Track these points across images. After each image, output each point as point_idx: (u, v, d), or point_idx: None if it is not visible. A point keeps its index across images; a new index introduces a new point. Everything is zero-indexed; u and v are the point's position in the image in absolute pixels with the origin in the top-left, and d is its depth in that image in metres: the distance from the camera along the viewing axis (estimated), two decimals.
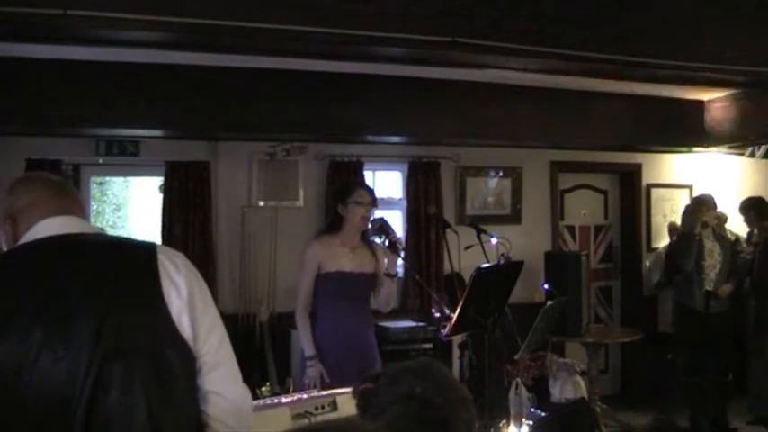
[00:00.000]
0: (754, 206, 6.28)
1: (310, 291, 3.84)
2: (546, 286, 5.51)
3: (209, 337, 1.69)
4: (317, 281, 3.83)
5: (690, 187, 7.21)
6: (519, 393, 3.76)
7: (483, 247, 4.35)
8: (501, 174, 6.60)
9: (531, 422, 3.64)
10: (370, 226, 3.89)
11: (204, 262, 5.49)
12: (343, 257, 3.84)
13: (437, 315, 4.78)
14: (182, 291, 1.65)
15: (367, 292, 3.96)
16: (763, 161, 6.75)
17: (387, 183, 6.46)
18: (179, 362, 1.63)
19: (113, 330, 1.55)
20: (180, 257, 1.72)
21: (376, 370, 1.56)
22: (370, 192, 3.96)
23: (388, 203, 6.30)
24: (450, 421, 1.41)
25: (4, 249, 1.77)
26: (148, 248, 1.71)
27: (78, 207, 1.83)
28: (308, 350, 3.79)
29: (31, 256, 1.67)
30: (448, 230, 4.39)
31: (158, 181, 5.87)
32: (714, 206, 5.78)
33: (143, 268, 1.66)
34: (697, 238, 5.61)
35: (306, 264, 3.84)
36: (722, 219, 6.50)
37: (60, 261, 1.64)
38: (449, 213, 6.19)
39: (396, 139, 6.03)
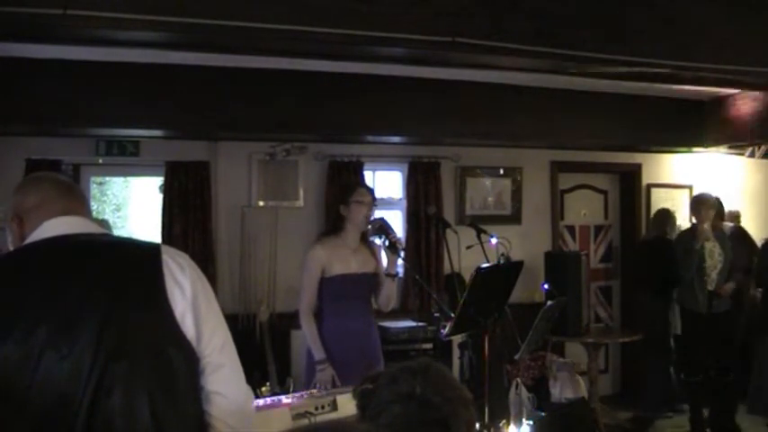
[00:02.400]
0: (718, 205, 6.21)
1: (314, 294, 3.82)
2: (546, 286, 5.50)
3: (213, 337, 1.69)
4: (322, 284, 3.82)
5: (690, 187, 7.22)
6: (519, 393, 3.76)
7: (483, 247, 4.35)
8: (501, 174, 6.60)
9: (531, 422, 3.64)
10: (369, 226, 3.89)
11: (204, 262, 5.48)
12: (346, 259, 3.84)
13: (437, 315, 4.78)
14: (186, 291, 1.66)
15: (370, 292, 3.96)
16: (763, 161, 6.75)
17: (387, 183, 6.46)
18: (182, 362, 1.63)
19: (117, 330, 1.55)
20: (184, 258, 1.72)
21: (376, 370, 1.56)
22: (371, 191, 3.96)
23: (388, 203, 6.30)
24: (449, 421, 1.41)
25: (11, 248, 1.78)
26: (153, 249, 1.72)
27: (85, 208, 1.84)
28: (318, 354, 3.75)
29: (36, 256, 1.67)
30: (448, 230, 4.38)
31: (158, 181, 5.87)
32: (715, 205, 5.76)
33: (147, 268, 1.66)
34: (699, 245, 5.57)
35: (309, 268, 3.83)
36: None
37: (65, 261, 1.65)
38: (449, 213, 6.19)
39: (396, 139, 6.03)
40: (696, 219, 5.77)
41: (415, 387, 1.43)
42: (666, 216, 6.41)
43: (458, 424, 1.41)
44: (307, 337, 3.84)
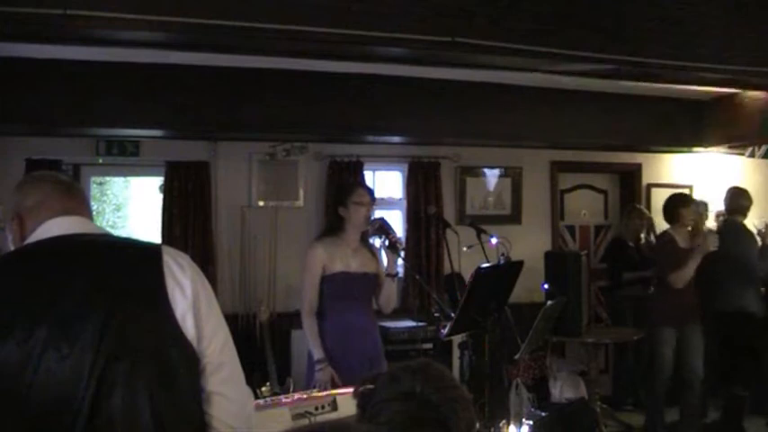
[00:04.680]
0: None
1: (316, 294, 3.82)
2: (546, 286, 5.50)
3: (214, 338, 1.69)
4: (322, 283, 3.81)
5: (690, 187, 7.21)
6: (519, 393, 3.76)
7: (483, 247, 4.35)
8: (501, 174, 6.61)
9: (531, 422, 3.64)
10: (369, 226, 3.89)
11: (204, 262, 5.49)
12: (346, 258, 3.83)
13: (437, 315, 4.79)
14: (186, 291, 1.65)
15: (370, 292, 3.96)
16: (763, 161, 6.75)
17: (387, 183, 6.47)
18: (183, 362, 1.63)
19: (117, 330, 1.55)
20: (185, 258, 1.72)
21: (376, 371, 1.57)
22: (369, 191, 3.96)
23: (388, 203, 6.31)
24: (449, 420, 1.41)
25: (11, 248, 1.78)
26: (153, 249, 1.72)
27: (85, 208, 1.83)
28: (317, 354, 3.75)
29: (36, 256, 1.67)
30: (448, 230, 4.39)
31: (158, 181, 5.87)
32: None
33: (148, 268, 1.66)
34: None
35: (309, 267, 3.82)
36: None
37: (66, 261, 1.65)
38: (449, 213, 6.19)
39: (396, 139, 6.03)
40: None
41: (414, 386, 1.43)
42: (644, 216, 6.44)
43: (457, 424, 1.41)
44: (307, 337, 3.84)
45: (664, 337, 5.39)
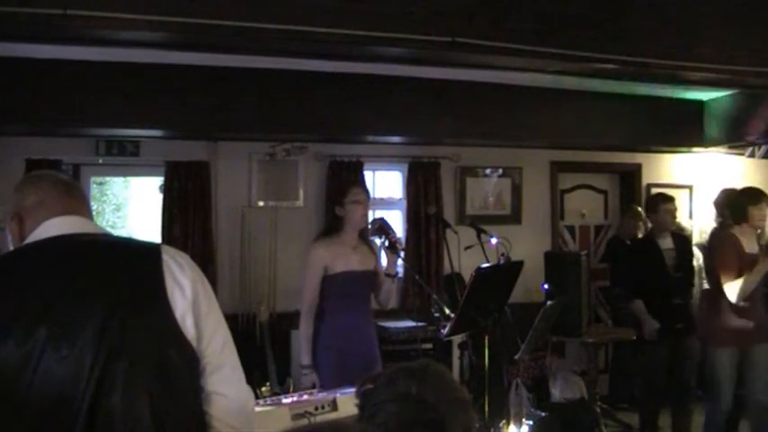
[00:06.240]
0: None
1: (316, 294, 3.83)
2: (546, 286, 5.50)
3: (214, 338, 1.69)
4: (324, 282, 3.82)
5: (690, 187, 7.22)
6: (519, 393, 3.77)
7: (483, 247, 4.35)
8: (501, 174, 6.61)
9: (531, 422, 3.65)
10: (369, 226, 3.90)
11: (204, 262, 5.49)
12: (347, 257, 3.84)
13: (437, 315, 4.79)
14: (186, 291, 1.65)
15: (369, 290, 3.97)
16: (763, 161, 6.75)
17: (387, 183, 6.47)
18: (182, 362, 1.63)
19: (117, 330, 1.55)
20: (185, 258, 1.72)
21: (378, 371, 1.56)
22: (364, 188, 4.00)
23: (388, 203, 6.31)
24: (446, 422, 1.41)
25: (11, 248, 1.78)
26: (153, 249, 1.71)
27: (85, 207, 1.83)
28: (305, 359, 3.79)
29: (36, 256, 1.67)
30: (448, 230, 4.39)
31: (158, 181, 5.87)
32: None
33: (147, 268, 1.66)
34: None
35: (311, 267, 3.83)
36: None
37: (65, 261, 1.64)
38: (449, 213, 6.19)
39: (396, 139, 6.03)
40: None
41: (411, 387, 1.42)
42: (638, 216, 6.45)
43: (454, 425, 1.41)
44: (301, 339, 3.86)
45: (722, 361, 4.64)
